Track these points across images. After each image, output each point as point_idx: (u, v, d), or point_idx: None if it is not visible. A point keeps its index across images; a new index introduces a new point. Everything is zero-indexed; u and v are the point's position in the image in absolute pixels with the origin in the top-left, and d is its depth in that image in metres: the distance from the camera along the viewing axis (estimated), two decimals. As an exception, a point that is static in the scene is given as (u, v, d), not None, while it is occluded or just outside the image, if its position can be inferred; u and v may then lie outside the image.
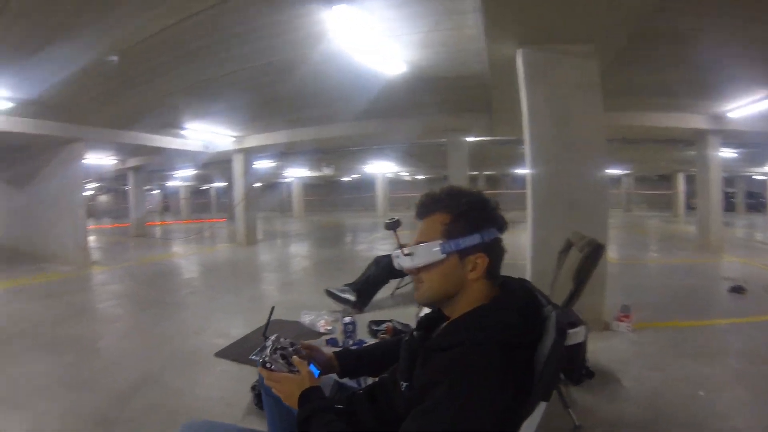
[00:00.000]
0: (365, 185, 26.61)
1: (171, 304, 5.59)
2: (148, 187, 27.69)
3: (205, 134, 9.82)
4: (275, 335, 1.32)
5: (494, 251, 1.08)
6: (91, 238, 14.21)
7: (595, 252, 2.49)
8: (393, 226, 1.28)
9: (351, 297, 4.74)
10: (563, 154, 4.00)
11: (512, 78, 4.39)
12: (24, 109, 7.00)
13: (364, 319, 4.22)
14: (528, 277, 4.02)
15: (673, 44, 4.65)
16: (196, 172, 19.55)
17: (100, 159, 13.23)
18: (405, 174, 25.66)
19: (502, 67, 4.70)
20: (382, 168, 20.47)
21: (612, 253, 8.09)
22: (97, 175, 17.31)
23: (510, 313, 1.01)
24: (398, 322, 3.92)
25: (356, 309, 4.68)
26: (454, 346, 0.98)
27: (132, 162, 14.30)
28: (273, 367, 1.22)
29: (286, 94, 6.75)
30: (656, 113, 8.06)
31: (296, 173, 22.04)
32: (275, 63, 5.29)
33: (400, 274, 4.77)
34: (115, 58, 4.90)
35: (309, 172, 20.96)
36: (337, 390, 1.53)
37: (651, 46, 4.71)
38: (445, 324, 1.13)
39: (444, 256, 1.06)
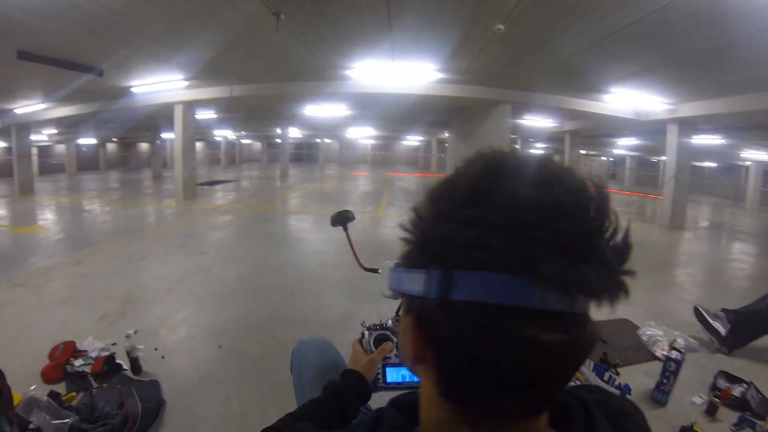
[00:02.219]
0: None
1: None
2: (594, 152, 27.98)
3: (633, 100, 8.84)
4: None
5: (446, 331, 0.41)
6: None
7: None
8: (339, 220, 0.92)
9: (721, 328, 3.37)
10: None
11: None
12: (458, 76, 8.02)
13: (715, 364, 3.00)
14: None
15: None
16: (639, 142, 18.02)
17: (537, 121, 13.91)
18: None
19: None
20: None
21: None
22: (543, 135, 18.45)
23: None
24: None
25: (722, 347, 3.32)
26: None
27: (568, 126, 14.51)
28: (363, 339, 1.19)
29: (706, 49, 5.22)
30: None
31: (756, 156, 17.06)
32: (672, 8, 4.11)
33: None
34: (501, 26, 4.93)
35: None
36: None
37: None
38: None
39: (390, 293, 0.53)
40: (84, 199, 12.37)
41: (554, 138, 18.30)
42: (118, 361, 2.59)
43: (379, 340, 1.17)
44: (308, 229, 7.41)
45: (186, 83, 9.21)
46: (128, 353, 2.57)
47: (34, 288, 4.33)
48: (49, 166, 22.57)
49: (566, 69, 6.85)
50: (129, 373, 2.55)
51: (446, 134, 19.65)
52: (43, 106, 11.36)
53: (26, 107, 11.42)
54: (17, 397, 2.17)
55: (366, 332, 1.20)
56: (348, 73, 8.00)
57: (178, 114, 10.74)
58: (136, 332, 3.07)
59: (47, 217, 9.27)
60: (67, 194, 13.68)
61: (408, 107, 11.69)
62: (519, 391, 0.40)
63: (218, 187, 15.37)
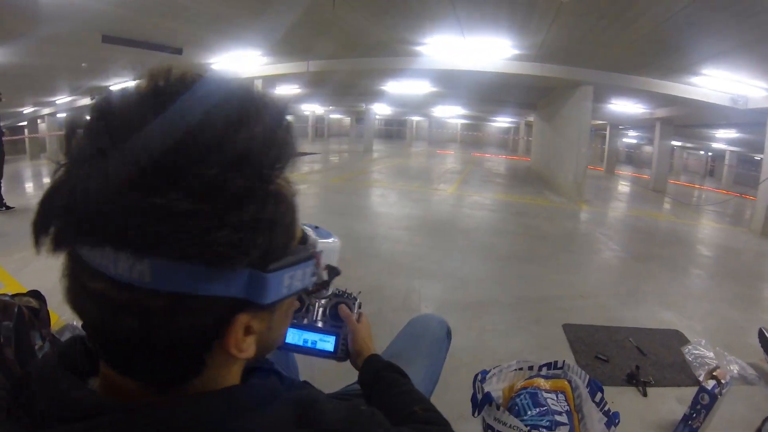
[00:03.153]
0: None
1: (578, 257, 5.22)
2: (690, 144, 25.45)
3: (730, 84, 8.00)
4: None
5: None
6: (615, 184, 14.63)
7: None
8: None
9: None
10: None
11: None
12: (534, 53, 7.70)
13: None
14: None
15: None
16: (740, 135, 16.15)
17: (626, 106, 13.03)
18: None
19: None
20: None
21: None
22: (633, 122, 17.15)
23: None
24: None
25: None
26: None
27: (660, 112, 13.42)
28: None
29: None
30: None
31: None
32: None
33: None
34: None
35: None
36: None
37: None
38: None
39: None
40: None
41: (644, 125, 17.07)
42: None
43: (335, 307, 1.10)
44: (370, 202, 7.57)
45: (264, 59, 9.59)
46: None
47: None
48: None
49: (648, 45, 6.35)
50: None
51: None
52: (134, 82, 12.32)
53: (119, 84, 12.48)
54: (55, 318, 2.45)
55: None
56: (421, 49, 7.96)
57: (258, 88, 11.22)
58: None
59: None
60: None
61: (489, 86, 11.39)
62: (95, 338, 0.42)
63: (298, 158, 16.21)
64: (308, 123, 31.41)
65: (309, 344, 1.04)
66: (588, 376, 1.79)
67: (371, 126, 22.42)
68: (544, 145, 13.80)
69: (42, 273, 3.60)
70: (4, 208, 6.09)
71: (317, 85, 13.55)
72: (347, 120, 37.37)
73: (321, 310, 1.07)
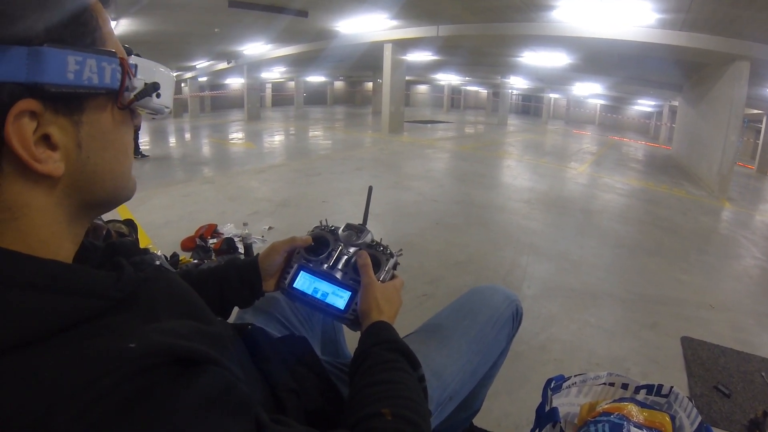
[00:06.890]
0: None
1: (712, 259, 4.30)
2: None
3: None
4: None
5: None
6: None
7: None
8: None
9: None
10: None
11: None
12: (681, 17, 6.63)
13: None
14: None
15: None
16: None
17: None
18: None
19: None
20: None
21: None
22: None
23: None
24: None
25: None
26: None
27: None
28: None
29: None
30: None
31: None
32: None
33: None
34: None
35: None
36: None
37: None
38: None
39: None
40: (298, 125, 14.14)
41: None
42: (237, 244, 2.89)
43: (315, 238, 0.91)
44: (493, 172, 7.44)
45: (393, 23, 9.49)
46: (243, 239, 2.88)
47: (218, 186, 5.27)
48: (280, 99, 26.75)
49: None
50: (242, 255, 2.83)
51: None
52: (267, 47, 13.28)
53: (252, 49, 13.48)
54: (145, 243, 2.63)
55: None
56: (553, 14, 7.34)
57: (387, 53, 11.31)
58: (269, 228, 3.39)
59: (261, 137, 10.77)
60: (287, 121, 15.76)
61: (629, 59, 10.24)
62: None
63: (430, 126, 16.45)
64: (443, 93, 32.16)
65: (319, 295, 0.85)
66: (700, 418, 1.15)
67: (507, 99, 21.99)
68: (688, 132, 12.27)
69: (156, 210, 3.99)
70: (139, 156, 6.98)
71: (450, 52, 13.19)
72: (484, 93, 36.97)
73: (346, 258, 0.87)
